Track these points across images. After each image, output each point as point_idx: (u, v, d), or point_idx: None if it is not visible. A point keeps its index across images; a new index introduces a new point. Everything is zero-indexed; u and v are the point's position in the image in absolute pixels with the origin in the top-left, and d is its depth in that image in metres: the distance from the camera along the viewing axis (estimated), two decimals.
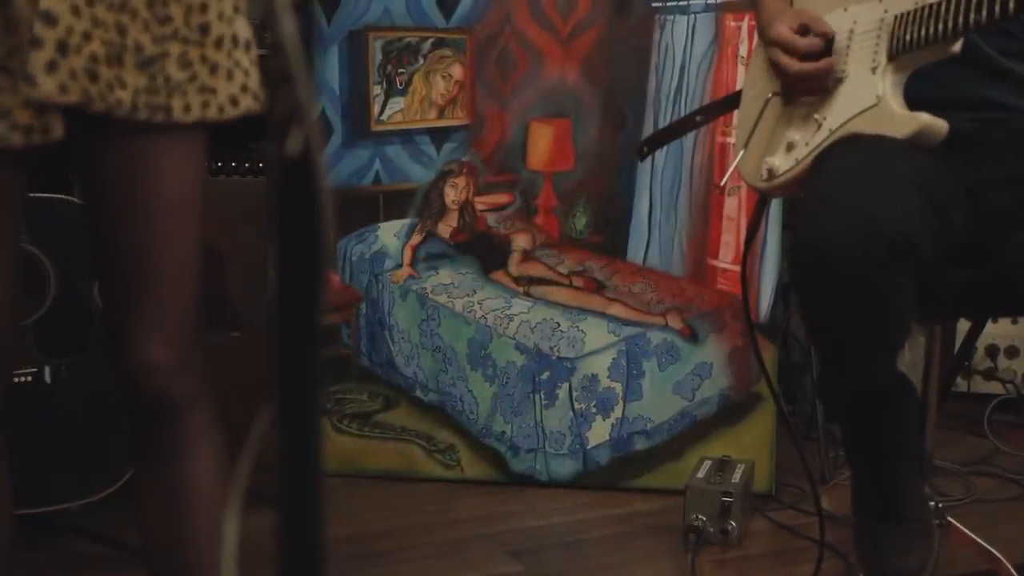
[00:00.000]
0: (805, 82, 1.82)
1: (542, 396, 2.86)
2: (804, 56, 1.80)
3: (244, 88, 1.42)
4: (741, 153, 1.97)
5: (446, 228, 2.91)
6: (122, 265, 1.43)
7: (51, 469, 2.31)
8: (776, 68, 1.85)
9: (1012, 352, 3.44)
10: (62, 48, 1.28)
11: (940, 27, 1.62)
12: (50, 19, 1.27)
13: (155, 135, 1.38)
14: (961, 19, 1.59)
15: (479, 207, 2.90)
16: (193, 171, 1.44)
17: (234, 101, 1.41)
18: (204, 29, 1.38)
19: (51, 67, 1.27)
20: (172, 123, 1.36)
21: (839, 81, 1.79)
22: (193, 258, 1.46)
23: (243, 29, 1.43)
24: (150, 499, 1.53)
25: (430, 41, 2.87)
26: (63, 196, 2.29)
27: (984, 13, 1.57)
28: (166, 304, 1.43)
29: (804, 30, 1.81)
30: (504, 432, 2.88)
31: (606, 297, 2.86)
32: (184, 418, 1.48)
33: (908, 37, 1.67)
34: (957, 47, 1.65)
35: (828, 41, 1.81)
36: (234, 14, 1.41)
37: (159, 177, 1.40)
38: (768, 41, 1.85)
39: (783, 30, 1.81)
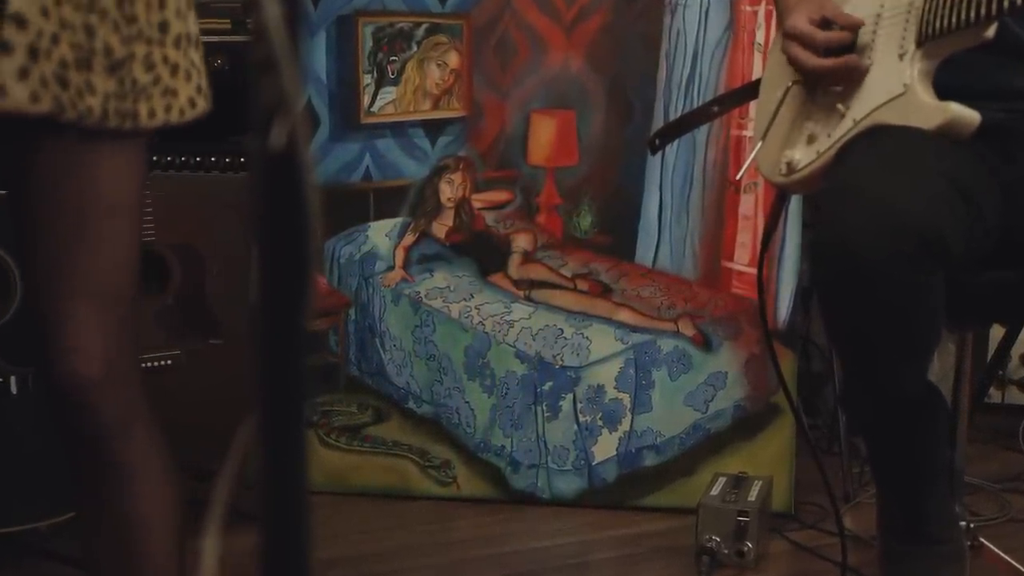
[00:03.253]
0: (824, 78, 1.82)
1: (544, 408, 2.86)
2: (824, 51, 1.80)
3: (199, 89, 1.44)
4: (759, 145, 1.97)
5: (441, 228, 2.91)
6: (50, 271, 1.41)
7: (17, 486, 2.30)
8: (792, 62, 1.84)
9: None
10: (33, 53, 1.27)
11: (973, 11, 1.62)
12: (21, 22, 1.26)
13: (97, 140, 1.37)
14: (995, 2, 1.59)
15: (477, 205, 2.90)
16: (132, 173, 1.43)
17: (192, 103, 1.43)
18: (164, 27, 1.39)
19: (23, 74, 1.26)
20: (139, 131, 1.37)
21: (865, 69, 1.78)
22: (126, 263, 1.44)
23: (193, 25, 1.45)
24: (93, 533, 1.50)
25: (424, 27, 2.87)
26: None
27: None
28: (96, 313, 1.41)
29: (826, 23, 1.80)
30: (503, 447, 2.88)
31: (613, 302, 2.86)
32: (122, 440, 1.45)
33: (939, 22, 1.67)
34: (991, 33, 1.65)
35: (854, 35, 1.80)
36: (187, 9, 1.43)
37: (95, 176, 1.39)
38: (784, 33, 1.85)
39: (801, 21, 1.81)
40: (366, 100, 2.90)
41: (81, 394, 1.42)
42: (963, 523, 2.13)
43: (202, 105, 1.44)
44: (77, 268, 1.40)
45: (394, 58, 2.88)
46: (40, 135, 1.36)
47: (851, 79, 1.79)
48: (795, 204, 2.72)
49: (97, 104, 1.32)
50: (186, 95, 1.42)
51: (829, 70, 1.80)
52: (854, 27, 1.79)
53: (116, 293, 1.43)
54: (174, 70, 1.40)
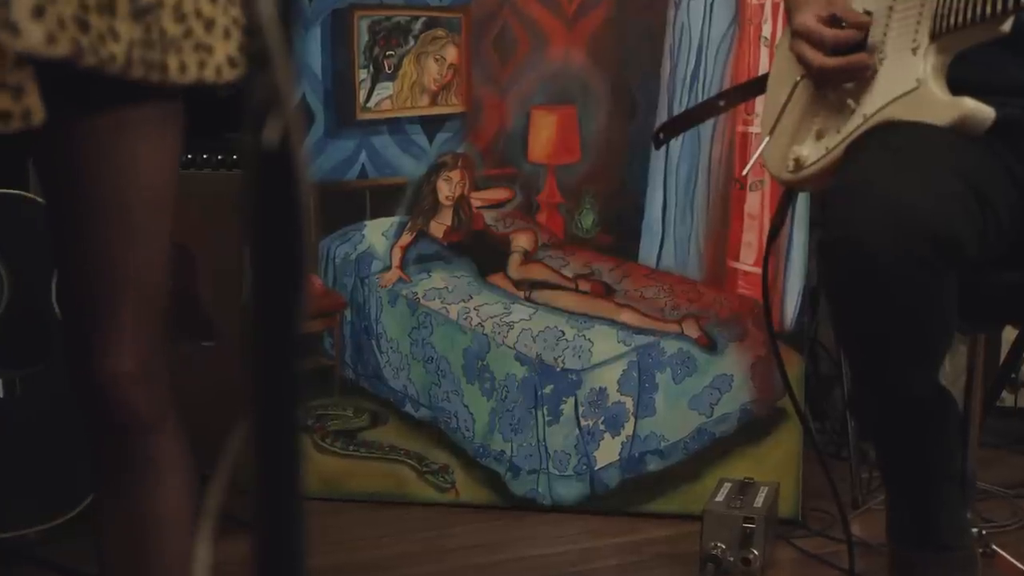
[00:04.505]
0: (832, 77, 1.82)
1: (545, 412, 2.86)
2: (833, 49, 1.80)
3: (242, 49, 1.40)
4: (766, 141, 1.97)
5: (439, 227, 2.91)
6: (87, 266, 1.42)
7: (5, 492, 2.30)
8: (800, 60, 1.85)
9: None
10: None
11: (989, 5, 1.62)
12: None
13: (133, 110, 1.36)
14: None
15: (476, 204, 2.90)
16: (170, 156, 1.43)
17: (232, 62, 1.39)
18: None
19: (38, 12, 1.22)
20: (167, 85, 1.34)
21: (874, 68, 1.78)
22: (163, 258, 1.45)
23: None
24: (112, 527, 1.52)
25: (422, 20, 2.87)
26: (16, 191, 2.29)
27: None
28: (133, 310, 1.43)
29: (834, 21, 1.80)
30: (503, 451, 2.88)
31: (615, 303, 2.86)
32: (151, 439, 1.47)
33: (953, 16, 1.67)
34: (1007, 27, 1.65)
35: (864, 34, 1.80)
36: None
37: (134, 166, 1.39)
38: (793, 30, 1.85)
39: (809, 19, 1.81)
40: (362, 96, 2.90)
41: (119, 390, 1.43)
42: (975, 530, 2.12)
43: (244, 66, 1.41)
44: (117, 263, 1.41)
45: (391, 53, 2.88)
46: (74, 116, 1.34)
47: (860, 78, 1.79)
48: (802, 202, 2.72)
49: (121, 51, 1.28)
50: (224, 53, 1.38)
51: (837, 69, 1.80)
52: (863, 26, 1.79)
53: (153, 287, 1.45)
54: (209, 25, 1.36)
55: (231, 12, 1.39)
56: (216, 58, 1.38)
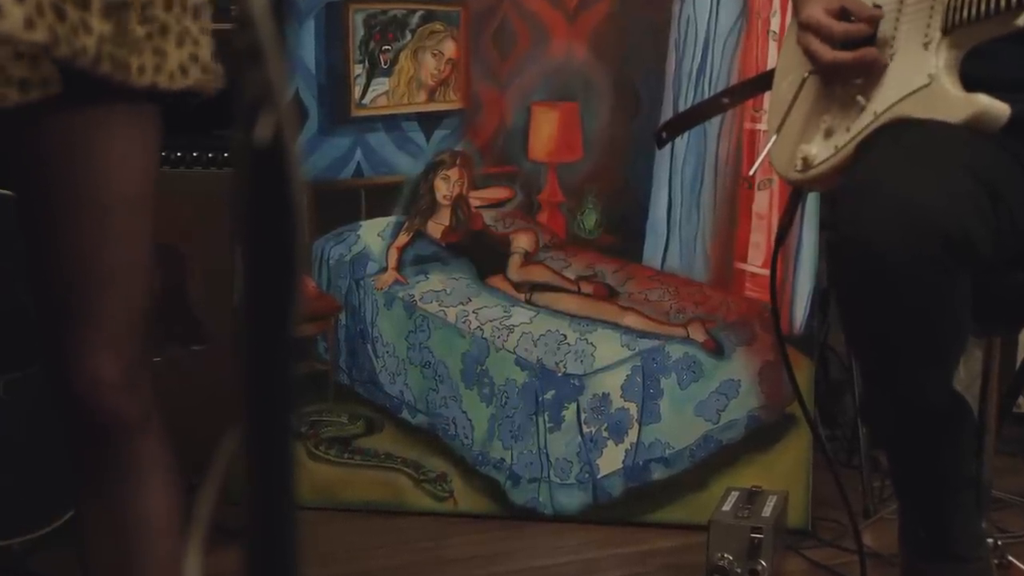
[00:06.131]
0: (841, 72, 1.82)
1: (546, 418, 2.86)
2: (842, 43, 1.80)
3: (193, 58, 1.44)
4: (773, 139, 1.97)
5: (437, 227, 2.91)
6: (64, 267, 1.43)
7: None
8: (808, 55, 1.85)
9: None
10: None
11: None
12: None
13: (105, 109, 1.39)
14: None
15: (475, 203, 2.90)
16: (146, 156, 1.45)
17: (183, 70, 1.43)
18: None
19: None
20: (127, 87, 1.37)
21: (884, 63, 1.78)
22: (144, 260, 1.46)
23: None
24: (95, 534, 1.53)
25: (419, 14, 2.87)
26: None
27: None
28: (113, 312, 1.44)
29: (844, 14, 1.81)
30: (503, 459, 2.88)
31: (619, 305, 2.86)
32: (133, 442, 1.48)
33: (966, 9, 1.67)
34: (1021, 21, 1.65)
35: (874, 28, 1.80)
36: None
37: (107, 165, 1.41)
38: (800, 23, 1.85)
39: (817, 12, 1.81)
40: (357, 92, 2.90)
41: (98, 396, 1.45)
42: (990, 540, 2.13)
43: (195, 76, 1.44)
44: (93, 263, 1.43)
45: (387, 47, 2.88)
46: (47, 109, 1.35)
47: (869, 73, 1.79)
48: (812, 202, 2.72)
49: (92, 45, 1.32)
50: (176, 60, 1.41)
51: (846, 64, 1.80)
52: (873, 20, 1.80)
53: (132, 289, 1.46)
54: (163, 30, 1.40)
55: (184, 22, 1.43)
56: (169, 64, 1.41)
